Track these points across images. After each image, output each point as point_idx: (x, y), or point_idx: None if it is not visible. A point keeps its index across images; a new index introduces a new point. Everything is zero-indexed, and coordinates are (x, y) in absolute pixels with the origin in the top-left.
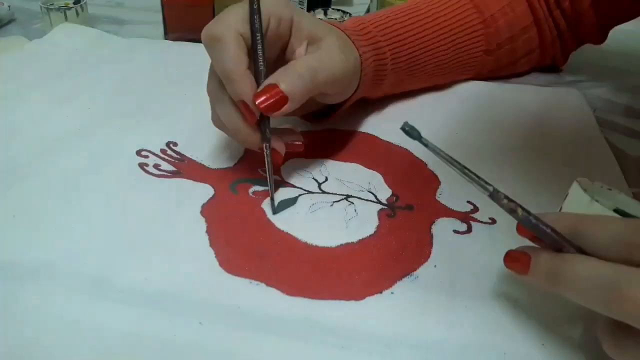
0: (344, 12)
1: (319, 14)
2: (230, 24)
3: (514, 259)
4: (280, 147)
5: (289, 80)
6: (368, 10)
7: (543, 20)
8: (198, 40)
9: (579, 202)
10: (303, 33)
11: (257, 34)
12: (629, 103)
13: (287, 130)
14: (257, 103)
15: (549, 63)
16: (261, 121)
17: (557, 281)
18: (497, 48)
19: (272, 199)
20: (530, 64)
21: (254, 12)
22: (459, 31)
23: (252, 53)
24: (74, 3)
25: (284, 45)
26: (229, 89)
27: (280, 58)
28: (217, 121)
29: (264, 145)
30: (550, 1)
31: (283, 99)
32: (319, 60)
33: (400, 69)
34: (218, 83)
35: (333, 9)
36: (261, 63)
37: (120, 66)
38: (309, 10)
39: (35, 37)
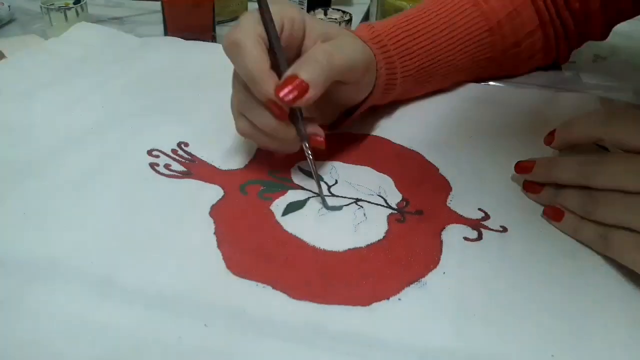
0: (344, 12)
1: (319, 14)
2: (248, 28)
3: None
4: (318, 130)
5: (307, 67)
6: (368, 10)
7: (548, 23)
8: (198, 40)
9: None
10: (316, 32)
11: (272, 34)
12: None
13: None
14: (280, 96)
15: (551, 62)
16: (294, 118)
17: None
18: (502, 54)
19: (321, 195)
20: (533, 65)
21: (266, 15)
22: (466, 40)
23: (272, 55)
24: (74, 3)
25: (299, 46)
26: (256, 91)
27: (297, 58)
28: (247, 129)
29: (303, 143)
30: (559, 3)
31: (304, 87)
32: (335, 45)
33: (409, 79)
34: (244, 91)
35: (333, 9)
36: (283, 61)
37: (134, 65)
38: (309, 10)
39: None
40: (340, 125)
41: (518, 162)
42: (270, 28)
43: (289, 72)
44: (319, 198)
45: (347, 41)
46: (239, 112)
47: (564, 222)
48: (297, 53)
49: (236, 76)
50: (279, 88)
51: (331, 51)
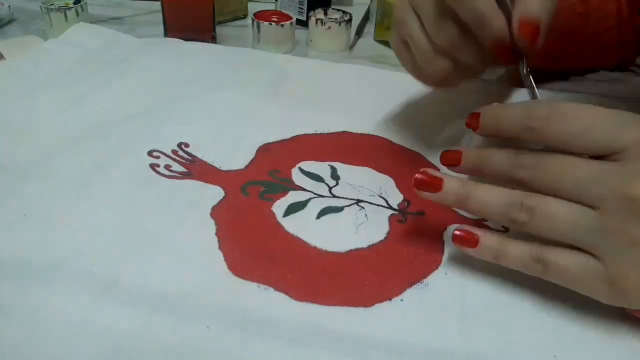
0: (344, 12)
1: (319, 14)
2: None
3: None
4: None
5: (530, 4)
6: (368, 10)
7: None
8: (198, 40)
9: None
10: None
11: None
12: None
13: None
14: (519, 31)
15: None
16: (518, 58)
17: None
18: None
19: (534, 93)
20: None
21: None
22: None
23: None
24: (74, 3)
25: None
26: (483, 30)
27: None
28: (448, 69)
29: (521, 61)
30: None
31: (535, 28)
32: None
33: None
34: (457, 31)
35: (333, 9)
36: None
37: (134, 66)
38: (308, 10)
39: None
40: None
41: (444, 151)
42: None
43: (520, 12)
44: (321, 199)
45: None
46: (450, 52)
47: (481, 247)
48: None
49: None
50: (523, 25)
51: None
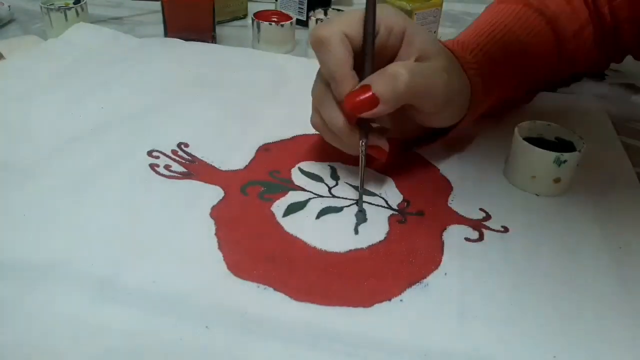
0: (344, 12)
1: (319, 14)
2: (337, 27)
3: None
4: (383, 144)
5: (382, 81)
6: None
7: (595, 17)
8: (198, 40)
9: (521, 146)
10: (413, 48)
11: (369, 37)
12: None
13: (376, 133)
14: (348, 102)
15: (597, 68)
16: (361, 122)
17: None
18: (561, 48)
19: (360, 198)
20: (589, 64)
21: (369, 14)
22: (536, 56)
23: (361, 56)
24: (74, 3)
25: (391, 57)
26: (334, 88)
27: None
28: (318, 123)
29: (360, 142)
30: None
31: (374, 100)
32: (421, 67)
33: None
34: (324, 86)
35: (333, 9)
36: (369, 66)
37: (134, 66)
38: (308, 10)
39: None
40: (419, 147)
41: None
42: (368, 28)
43: (364, 81)
44: (321, 199)
45: (438, 66)
46: (315, 105)
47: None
48: (389, 61)
49: (320, 71)
50: (349, 95)
51: (413, 73)
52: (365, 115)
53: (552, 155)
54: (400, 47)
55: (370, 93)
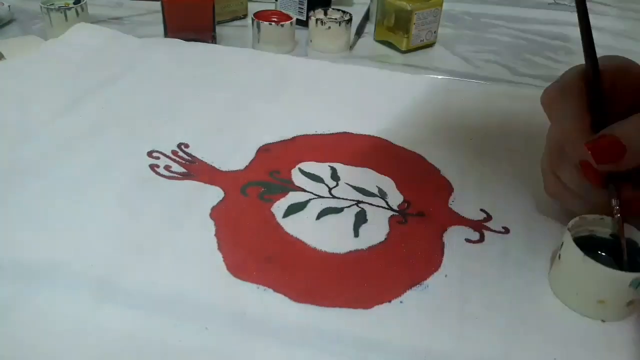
0: (344, 12)
1: (319, 14)
2: (570, 82)
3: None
4: (636, 196)
5: (628, 127)
6: (368, 10)
7: None
8: (198, 40)
9: (580, 262)
10: (629, 90)
11: (596, 87)
12: None
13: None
14: (590, 153)
15: None
16: (608, 180)
17: None
18: None
19: (625, 257)
20: None
21: (592, 63)
22: None
23: (595, 112)
24: (74, 3)
25: (632, 104)
26: (570, 150)
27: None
28: (558, 189)
29: (613, 203)
30: None
31: (620, 150)
32: None
33: None
34: (558, 148)
35: (333, 9)
36: (605, 119)
37: (134, 66)
38: (308, 10)
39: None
40: None
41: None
42: (595, 79)
43: (605, 130)
44: (321, 200)
45: None
46: (550, 169)
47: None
48: (631, 109)
49: (550, 132)
50: (589, 144)
51: None
52: (611, 167)
53: (628, 277)
54: (637, 92)
55: (614, 140)
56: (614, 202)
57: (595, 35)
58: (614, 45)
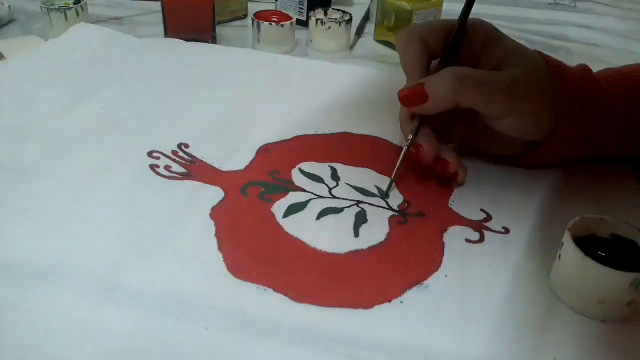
0: (344, 12)
1: (319, 14)
2: (417, 30)
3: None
4: (429, 148)
5: (435, 80)
6: (368, 10)
7: None
8: (198, 40)
9: (581, 262)
10: (491, 57)
11: (453, 41)
12: None
13: (447, 151)
14: (399, 95)
15: None
16: (414, 118)
17: None
18: None
19: (389, 186)
20: None
21: (461, 23)
22: None
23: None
24: (74, 3)
25: (494, 67)
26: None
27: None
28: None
29: (405, 141)
30: None
31: (422, 97)
32: (479, 75)
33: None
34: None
35: (333, 9)
36: (440, 68)
37: (134, 66)
38: (308, 10)
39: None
40: (526, 162)
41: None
42: (456, 34)
43: (420, 80)
44: (321, 200)
45: (504, 75)
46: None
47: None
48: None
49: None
50: (404, 88)
51: (467, 78)
52: (413, 109)
53: (628, 277)
54: (482, 55)
55: (419, 88)
56: (410, 136)
57: (595, 35)
58: (614, 45)
